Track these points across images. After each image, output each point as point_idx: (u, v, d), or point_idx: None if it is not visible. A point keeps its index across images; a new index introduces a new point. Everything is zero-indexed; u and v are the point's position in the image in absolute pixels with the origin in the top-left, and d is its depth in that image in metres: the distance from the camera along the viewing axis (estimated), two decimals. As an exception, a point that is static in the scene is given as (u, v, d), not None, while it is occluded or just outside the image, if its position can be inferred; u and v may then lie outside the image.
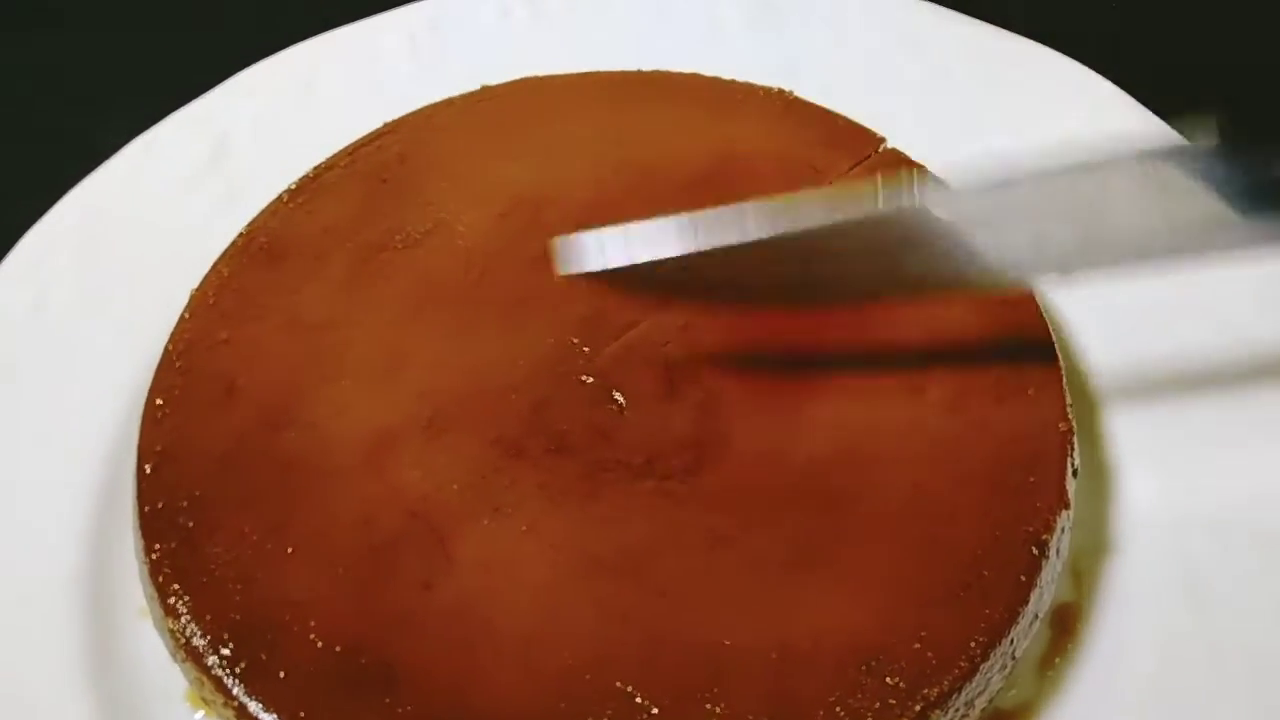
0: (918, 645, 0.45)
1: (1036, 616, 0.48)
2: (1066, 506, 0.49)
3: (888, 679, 0.44)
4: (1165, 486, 0.53)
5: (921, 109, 0.67)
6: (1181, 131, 0.64)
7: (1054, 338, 0.55)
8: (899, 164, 0.61)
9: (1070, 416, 0.51)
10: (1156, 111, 0.65)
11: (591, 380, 0.53)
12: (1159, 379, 0.57)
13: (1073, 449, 0.51)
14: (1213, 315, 0.58)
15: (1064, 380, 0.53)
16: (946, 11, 0.72)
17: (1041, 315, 0.56)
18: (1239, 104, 0.73)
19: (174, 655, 0.48)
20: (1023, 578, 0.47)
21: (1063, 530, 0.49)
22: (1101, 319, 0.59)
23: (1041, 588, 0.47)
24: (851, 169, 0.60)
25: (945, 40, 0.70)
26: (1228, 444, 0.54)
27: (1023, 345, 0.53)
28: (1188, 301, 0.57)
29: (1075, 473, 0.51)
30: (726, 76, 0.66)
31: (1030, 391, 0.52)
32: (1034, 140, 0.65)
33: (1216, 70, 0.78)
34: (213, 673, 0.46)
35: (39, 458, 0.56)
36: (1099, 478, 0.54)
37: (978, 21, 0.71)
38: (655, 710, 0.44)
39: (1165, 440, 0.55)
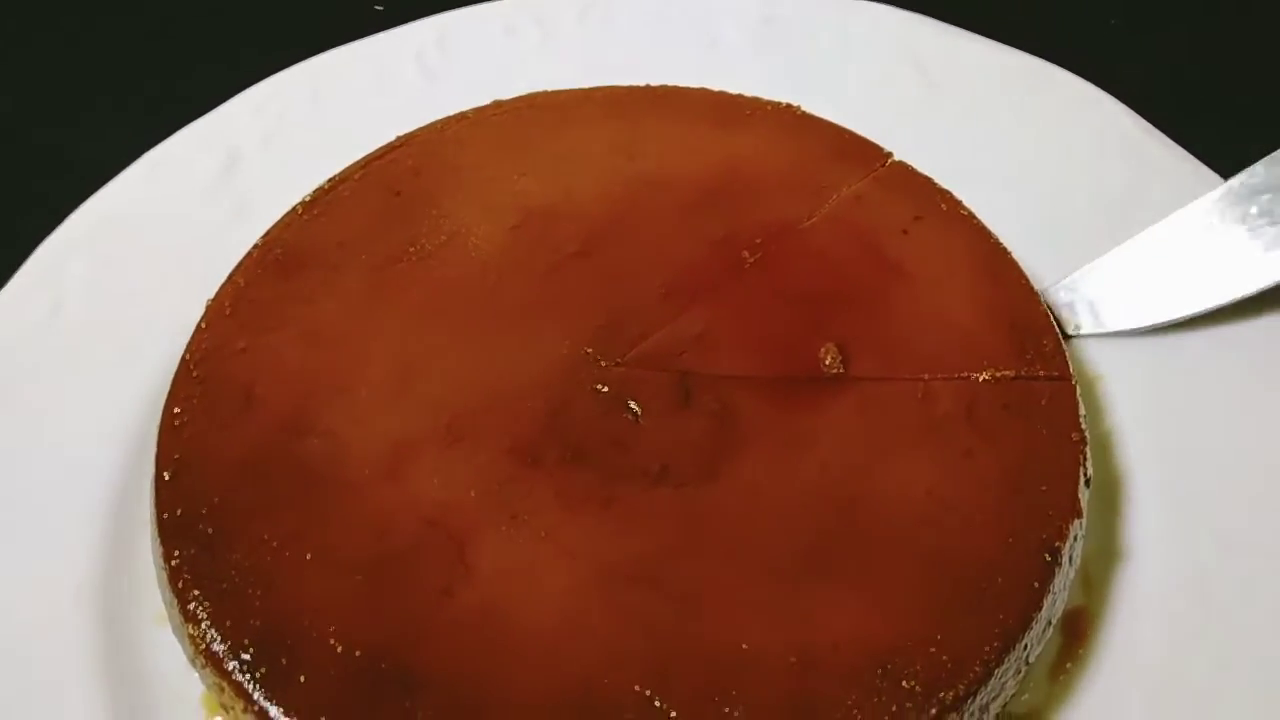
0: (933, 650, 0.46)
1: (1049, 622, 0.48)
2: (1079, 515, 0.50)
3: (904, 683, 0.45)
4: (1175, 493, 0.54)
5: (926, 123, 0.69)
6: (1184, 145, 0.65)
7: (1065, 349, 0.56)
8: (906, 177, 0.62)
9: (1083, 426, 0.52)
10: (1157, 124, 0.67)
11: (607, 390, 0.53)
12: (1169, 388, 0.58)
13: (1085, 459, 0.51)
14: (1223, 326, 0.59)
15: (1077, 391, 0.53)
16: (949, 27, 0.73)
17: (1054, 326, 0.57)
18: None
19: (193, 661, 0.48)
20: (1036, 584, 0.47)
21: (1075, 538, 0.49)
22: (1114, 330, 0.59)
23: (1054, 594, 0.48)
24: (859, 183, 0.61)
25: (949, 55, 0.72)
26: (1238, 453, 0.55)
27: (1037, 356, 0.54)
28: (1198, 313, 0.58)
29: (1088, 482, 0.51)
30: (733, 91, 0.67)
31: (1043, 401, 0.52)
32: (1036, 153, 0.67)
33: (1218, 83, 0.79)
34: (233, 678, 0.46)
35: (56, 465, 0.56)
36: (1110, 484, 0.55)
37: (980, 37, 0.72)
38: (674, 714, 0.44)
39: (1175, 448, 0.55)
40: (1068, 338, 0.59)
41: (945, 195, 0.61)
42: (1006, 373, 0.53)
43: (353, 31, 0.75)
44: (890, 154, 0.63)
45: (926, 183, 0.62)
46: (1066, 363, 0.55)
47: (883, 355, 0.54)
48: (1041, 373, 0.54)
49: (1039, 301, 0.58)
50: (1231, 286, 0.57)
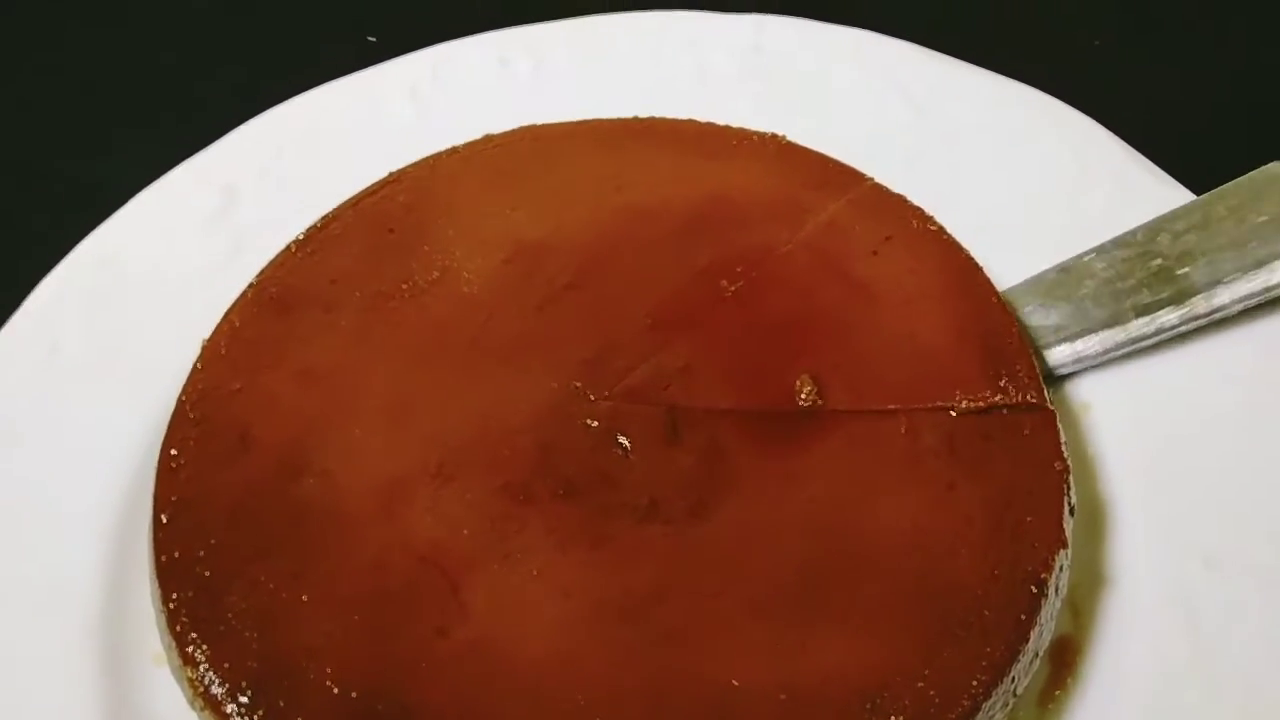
0: (921, 684, 0.46)
1: (1037, 654, 0.49)
2: (1064, 545, 0.50)
3: (892, 718, 0.45)
4: (1161, 520, 0.54)
5: (912, 149, 0.69)
6: (1165, 168, 0.66)
7: (1041, 376, 0.56)
8: (878, 198, 0.63)
9: (1066, 455, 0.53)
10: (1139, 148, 0.67)
11: (596, 424, 0.54)
12: (1152, 412, 0.58)
13: (1069, 487, 0.52)
14: (1205, 349, 0.59)
15: (1058, 419, 0.54)
16: (934, 53, 0.74)
17: (1030, 355, 0.57)
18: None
19: (192, 703, 0.49)
20: (1023, 616, 0.48)
21: (1061, 568, 0.50)
22: (1095, 357, 0.60)
23: (1041, 626, 0.49)
24: (833, 206, 0.62)
25: (934, 81, 0.72)
26: (1223, 477, 0.55)
27: (1016, 386, 0.55)
28: (1181, 336, 0.59)
29: (1072, 511, 0.52)
30: (723, 120, 0.68)
31: (1026, 431, 0.53)
32: (1020, 179, 0.68)
33: (1202, 108, 0.80)
34: (231, 721, 0.46)
35: (54, 508, 0.56)
36: (1095, 512, 0.55)
37: (965, 63, 0.73)
38: (666, 751, 0.45)
39: (1160, 474, 0.56)
40: (1054, 378, 0.59)
41: (917, 212, 0.62)
42: (981, 402, 0.54)
43: (346, 60, 0.76)
44: (870, 179, 0.64)
45: (899, 202, 0.62)
46: (1042, 388, 0.55)
47: (857, 384, 0.54)
48: (1018, 399, 0.54)
49: (1014, 322, 0.58)
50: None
